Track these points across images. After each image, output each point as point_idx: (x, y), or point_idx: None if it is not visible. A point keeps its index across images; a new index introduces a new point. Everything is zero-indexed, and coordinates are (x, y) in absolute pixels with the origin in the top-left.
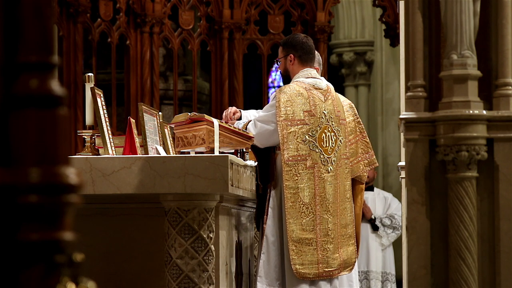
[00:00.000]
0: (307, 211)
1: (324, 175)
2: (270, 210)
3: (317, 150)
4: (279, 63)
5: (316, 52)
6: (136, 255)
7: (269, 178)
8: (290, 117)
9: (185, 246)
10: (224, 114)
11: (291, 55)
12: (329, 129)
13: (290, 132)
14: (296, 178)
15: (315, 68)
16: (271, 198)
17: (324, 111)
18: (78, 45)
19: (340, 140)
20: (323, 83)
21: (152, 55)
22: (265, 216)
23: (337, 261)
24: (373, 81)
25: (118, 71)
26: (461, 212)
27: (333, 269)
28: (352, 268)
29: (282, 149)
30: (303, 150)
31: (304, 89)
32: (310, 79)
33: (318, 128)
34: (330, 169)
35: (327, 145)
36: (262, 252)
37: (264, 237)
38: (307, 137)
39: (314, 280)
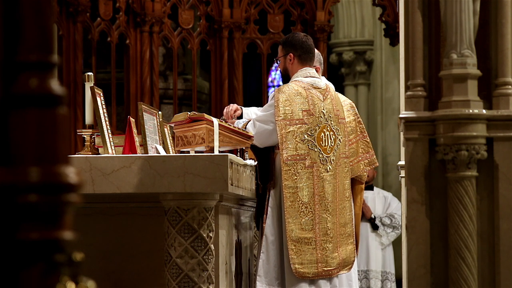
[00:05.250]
0: (306, 210)
1: (323, 174)
2: (269, 209)
3: (316, 149)
4: (278, 62)
5: (317, 51)
6: (135, 254)
7: (268, 177)
8: (289, 117)
9: (185, 246)
10: (225, 111)
11: (291, 54)
12: (328, 128)
13: (289, 132)
14: (295, 177)
15: (315, 67)
16: (270, 198)
17: (323, 110)
18: (78, 44)
19: (339, 139)
20: (322, 82)
21: (151, 54)
22: (264, 216)
23: (336, 260)
24: (373, 81)
25: (118, 71)
26: (461, 212)
27: (332, 268)
28: (351, 267)
29: (281, 148)
30: (302, 150)
31: (302, 88)
32: (309, 79)
33: (317, 128)
34: (329, 168)
35: (326, 144)
36: (261, 251)
37: (264, 236)
38: (306, 136)
39: (314, 279)
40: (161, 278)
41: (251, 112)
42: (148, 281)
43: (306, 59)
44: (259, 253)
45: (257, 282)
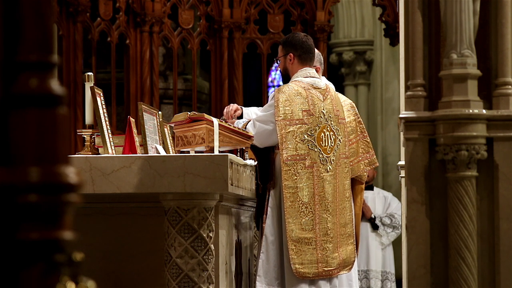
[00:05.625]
0: (306, 210)
1: (323, 174)
2: (269, 209)
3: (316, 149)
4: (278, 62)
5: (317, 51)
6: (135, 254)
7: (268, 177)
8: (289, 117)
9: (185, 246)
10: (225, 111)
11: (291, 54)
12: (328, 128)
13: (289, 132)
14: (295, 177)
15: (316, 67)
16: (270, 198)
17: (323, 111)
18: (78, 44)
19: (339, 140)
20: (322, 82)
21: (151, 54)
22: (264, 216)
23: (336, 261)
24: (373, 81)
25: (118, 70)
26: (461, 212)
27: (332, 268)
28: (351, 267)
29: (281, 148)
30: (302, 150)
31: (302, 88)
32: (309, 79)
33: (317, 128)
34: (329, 168)
35: (326, 144)
36: (261, 251)
37: (264, 236)
38: (305, 136)
39: (314, 279)
40: (161, 278)
41: (251, 112)
42: (148, 281)
43: (306, 59)
44: (259, 253)
45: (257, 282)
